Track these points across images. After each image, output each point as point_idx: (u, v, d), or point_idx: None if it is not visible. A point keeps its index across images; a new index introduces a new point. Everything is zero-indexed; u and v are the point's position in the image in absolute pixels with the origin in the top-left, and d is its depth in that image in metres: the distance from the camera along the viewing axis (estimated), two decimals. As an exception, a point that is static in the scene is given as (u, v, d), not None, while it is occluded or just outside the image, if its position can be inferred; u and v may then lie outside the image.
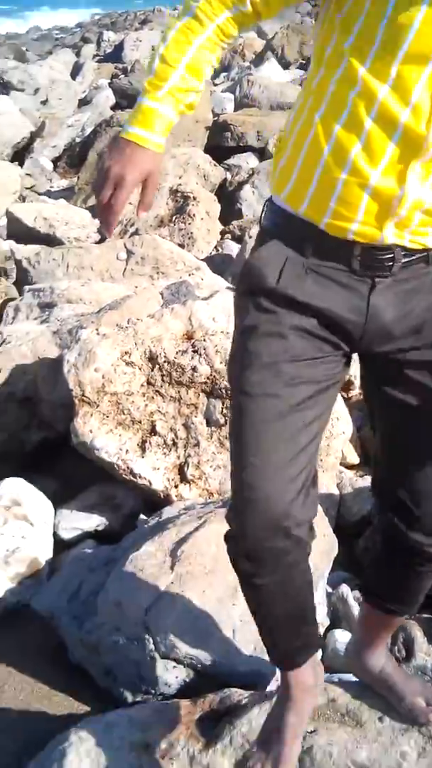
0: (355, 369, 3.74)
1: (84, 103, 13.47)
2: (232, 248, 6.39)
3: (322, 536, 2.58)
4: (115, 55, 19.49)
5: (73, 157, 10.79)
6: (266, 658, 1.92)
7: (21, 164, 10.53)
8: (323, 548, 2.59)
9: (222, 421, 3.11)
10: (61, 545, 3.19)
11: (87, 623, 2.56)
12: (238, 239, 6.51)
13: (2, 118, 10.62)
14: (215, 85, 14.31)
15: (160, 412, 3.15)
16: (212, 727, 2.13)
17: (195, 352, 3.15)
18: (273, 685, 2.32)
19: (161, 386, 3.16)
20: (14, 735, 2.43)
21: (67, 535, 3.22)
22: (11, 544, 2.97)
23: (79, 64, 16.54)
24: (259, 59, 15.54)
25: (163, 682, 2.36)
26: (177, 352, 3.15)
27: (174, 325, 3.22)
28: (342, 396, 3.64)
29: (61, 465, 3.67)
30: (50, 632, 2.77)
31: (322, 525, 2.61)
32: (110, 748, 2.07)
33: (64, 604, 2.68)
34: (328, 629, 2.62)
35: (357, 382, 3.83)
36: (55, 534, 3.20)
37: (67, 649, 2.68)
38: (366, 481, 3.25)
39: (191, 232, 6.35)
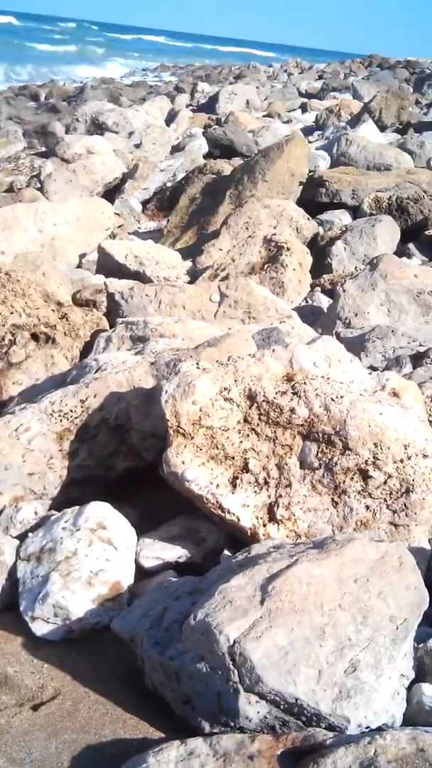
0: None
1: (177, 149, 13.80)
2: (323, 301, 6.49)
3: (413, 588, 2.60)
4: (209, 106, 20.02)
5: (162, 201, 11.05)
6: (350, 703, 1.93)
7: (111, 203, 10.82)
8: (413, 601, 2.61)
9: (316, 464, 3.16)
10: (140, 573, 3.24)
11: (170, 649, 2.60)
12: (329, 293, 6.60)
13: (96, 157, 10.94)
14: (310, 142, 14.57)
15: (254, 450, 3.21)
16: (294, 764, 2.15)
17: (295, 394, 3.21)
18: (356, 730, 2.33)
19: (258, 425, 3.22)
20: (87, 755, 2.48)
21: (148, 563, 3.28)
22: (95, 565, 3.04)
23: (174, 112, 16.99)
24: (355, 120, 15.79)
25: (244, 715, 2.39)
26: (276, 393, 3.22)
27: (275, 365, 3.30)
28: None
29: (144, 495, 3.75)
30: (127, 655, 2.83)
31: (413, 577, 2.62)
32: (188, 775, 2.10)
33: (145, 629, 2.73)
34: (414, 683, 2.63)
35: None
36: (135, 562, 3.26)
37: (143, 674, 2.72)
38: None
39: (282, 282, 6.46)
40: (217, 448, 3.21)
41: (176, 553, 3.32)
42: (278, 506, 3.16)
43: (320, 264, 7.50)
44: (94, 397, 3.62)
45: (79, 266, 7.59)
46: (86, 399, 3.61)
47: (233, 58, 70.64)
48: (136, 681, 2.75)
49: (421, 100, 23.02)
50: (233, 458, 3.21)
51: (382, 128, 15.45)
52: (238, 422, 3.23)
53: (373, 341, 5.07)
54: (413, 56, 42.10)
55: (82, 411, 3.59)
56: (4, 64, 42.03)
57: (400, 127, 16.12)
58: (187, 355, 3.61)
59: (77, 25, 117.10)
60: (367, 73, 34.61)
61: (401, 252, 8.13)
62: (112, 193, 11.26)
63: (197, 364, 3.31)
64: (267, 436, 3.22)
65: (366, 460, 3.12)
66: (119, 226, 9.92)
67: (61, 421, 3.56)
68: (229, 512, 3.16)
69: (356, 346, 5.14)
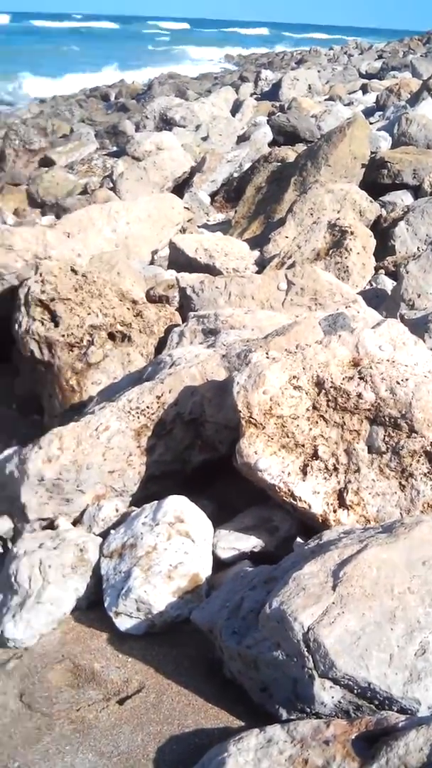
0: None
1: (243, 139, 13.75)
2: (386, 283, 6.40)
3: None
4: (273, 93, 19.88)
5: (230, 192, 11.04)
6: (420, 685, 1.91)
7: (180, 197, 10.83)
8: None
9: (383, 448, 3.13)
10: (217, 564, 3.26)
11: (247, 638, 2.62)
12: (392, 275, 6.51)
13: (165, 153, 10.98)
14: (371, 123, 14.33)
15: (323, 436, 3.19)
16: (368, 747, 2.14)
17: (361, 379, 3.18)
18: (426, 712, 2.32)
19: (326, 411, 3.20)
20: (171, 746, 2.51)
21: (224, 554, 3.30)
22: (174, 559, 3.07)
23: (239, 102, 16.89)
24: (414, 98, 15.47)
25: (319, 701, 2.39)
26: (343, 378, 3.20)
27: (341, 351, 3.27)
28: None
29: (219, 486, 3.76)
30: (206, 646, 2.85)
31: None
32: (270, 761, 2.11)
33: (224, 619, 2.75)
34: None
35: None
36: (212, 553, 3.28)
37: (222, 664, 2.74)
38: None
39: (347, 266, 6.39)
40: (288, 437, 3.20)
41: (251, 543, 3.33)
42: (348, 492, 3.14)
43: (384, 246, 7.40)
44: (170, 392, 3.64)
45: (152, 263, 7.63)
46: (162, 395, 3.64)
47: (294, 43, 69.97)
48: (216, 671, 2.78)
49: None
50: (303, 446, 3.20)
51: (443, 104, 15.11)
52: (307, 410, 3.21)
53: (438, 321, 4.98)
54: (471, 28, 40.99)
55: (158, 407, 3.61)
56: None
57: (461, 101, 15.75)
58: (256, 346, 3.61)
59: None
60: (426, 50, 33.84)
61: (465, 229, 7.95)
62: (181, 187, 11.29)
63: (267, 353, 3.31)
64: (335, 422, 3.20)
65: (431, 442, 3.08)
66: (189, 220, 9.93)
67: (138, 417, 3.59)
68: (300, 500, 3.16)
69: (420, 326, 5.06)
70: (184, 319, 5.04)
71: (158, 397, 3.62)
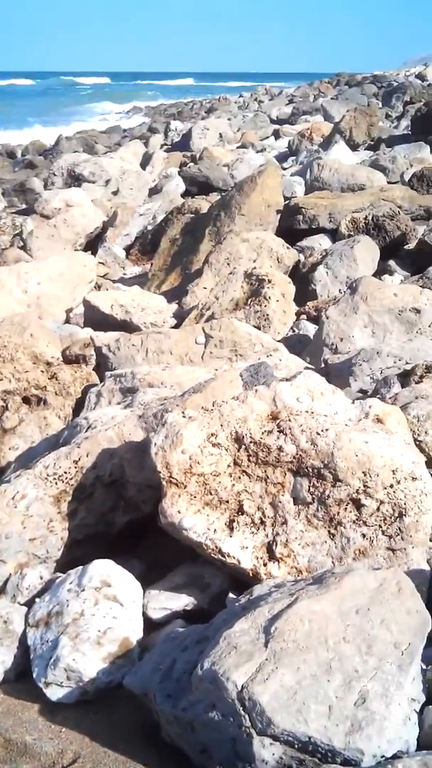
0: (440, 445, 3.81)
1: (154, 191, 13.97)
2: (309, 329, 6.55)
3: (415, 612, 2.63)
4: (183, 143, 20.24)
5: (145, 245, 11.17)
6: (362, 735, 1.96)
7: (94, 253, 10.93)
8: (415, 624, 2.63)
9: (309, 499, 3.20)
10: (150, 625, 3.28)
11: (182, 701, 2.64)
12: (315, 320, 6.66)
13: (75, 209, 11.07)
14: (284, 169, 14.71)
15: (247, 491, 3.25)
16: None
17: (280, 432, 3.26)
18: (371, 762, 2.36)
19: (248, 466, 3.27)
20: None
21: (156, 615, 3.32)
22: (102, 624, 3.08)
23: (148, 154, 17.16)
24: (327, 142, 15.95)
25: (260, 758, 2.41)
26: (263, 433, 3.27)
27: (258, 406, 3.35)
28: (430, 472, 3.70)
29: (148, 546, 3.79)
30: (142, 711, 2.85)
31: (413, 601, 2.65)
32: None
33: (157, 683, 2.76)
34: (425, 705, 2.65)
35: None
36: (143, 614, 3.29)
37: (159, 728, 2.75)
38: (457, 556, 3.29)
39: (267, 314, 6.53)
40: (211, 494, 3.25)
41: (183, 601, 3.36)
42: (276, 544, 3.20)
43: (305, 291, 7.58)
44: (87, 456, 3.68)
45: (67, 321, 7.66)
46: (79, 459, 3.67)
47: (206, 92, 71.51)
48: (154, 735, 2.78)
49: (390, 113, 23.21)
50: (227, 502, 3.26)
51: (355, 147, 15.62)
52: (228, 466, 3.28)
53: (360, 365, 5.11)
54: (379, 70, 42.48)
55: (77, 471, 3.64)
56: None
57: (372, 143, 16.29)
58: (173, 405, 3.67)
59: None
60: (336, 92, 34.93)
61: (383, 269, 8.20)
62: (95, 242, 11.39)
63: (183, 413, 3.37)
64: (258, 476, 3.26)
65: (357, 489, 3.16)
66: (105, 275, 10.03)
67: (56, 483, 3.61)
68: (229, 556, 3.20)
69: (344, 371, 5.18)
70: (102, 379, 5.08)
71: (75, 462, 3.65)
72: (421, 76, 35.77)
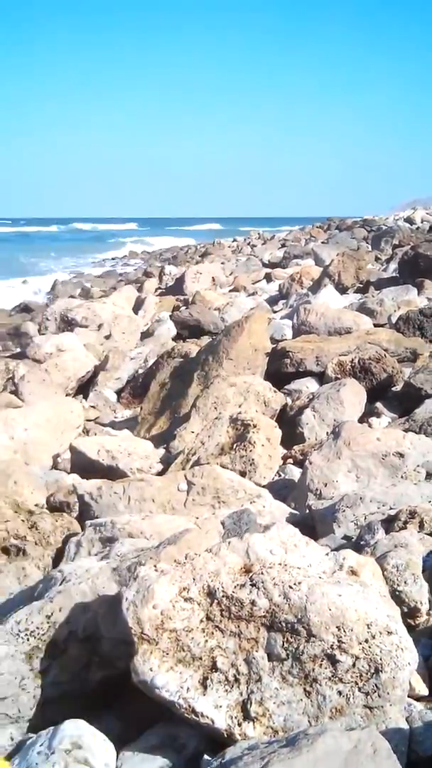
0: (420, 594, 3.79)
1: (147, 335, 14.23)
2: (295, 473, 6.56)
3: (392, 776, 2.56)
4: (177, 287, 20.73)
5: (136, 388, 11.32)
6: None
7: (86, 397, 11.08)
8: (393, 789, 2.56)
9: (284, 654, 3.15)
10: (123, 791, 3.17)
11: None
12: (300, 464, 6.69)
13: (67, 354, 11.27)
14: (274, 312, 15.04)
15: (220, 647, 3.20)
16: None
17: (253, 585, 3.23)
18: None
19: (221, 621, 3.23)
20: None
21: (129, 779, 3.21)
22: (71, 791, 2.98)
23: (141, 299, 17.56)
24: (316, 285, 16.35)
25: None
26: (235, 587, 3.24)
27: (231, 558, 3.33)
28: (408, 623, 3.65)
29: (125, 703, 3.69)
30: None
31: (388, 764, 2.58)
32: None
33: None
34: None
35: (424, 608, 3.84)
36: (117, 778, 3.19)
37: None
38: (436, 714, 3.22)
39: (252, 459, 6.55)
40: (184, 650, 3.20)
41: (157, 764, 3.25)
42: (251, 703, 3.13)
43: (293, 434, 7.63)
44: (60, 610, 3.63)
45: (54, 466, 7.69)
46: (52, 614, 3.62)
47: (202, 237, 73.77)
48: None
49: (380, 256, 23.86)
50: (201, 658, 3.20)
51: (344, 290, 16.00)
52: (201, 621, 3.23)
53: (344, 510, 5.11)
54: (369, 214, 43.90)
55: (49, 626, 3.59)
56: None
57: (361, 286, 16.69)
58: (147, 557, 3.65)
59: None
60: (327, 236, 35.96)
61: (370, 412, 8.27)
62: (86, 386, 11.55)
63: (155, 566, 3.34)
64: (231, 631, 3.22)
65: (331, 645, 3.11)
66: (95, 419, 10.13)
67: (28, 639, 3.55)
68: (202, 716, 3.12)
69: (328, 517, 5.18)
70: (84, 527, 5.07)
71: (48, 617, 3.60)
72: (409, 220, 37.00)
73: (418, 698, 3.39)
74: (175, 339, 13.20)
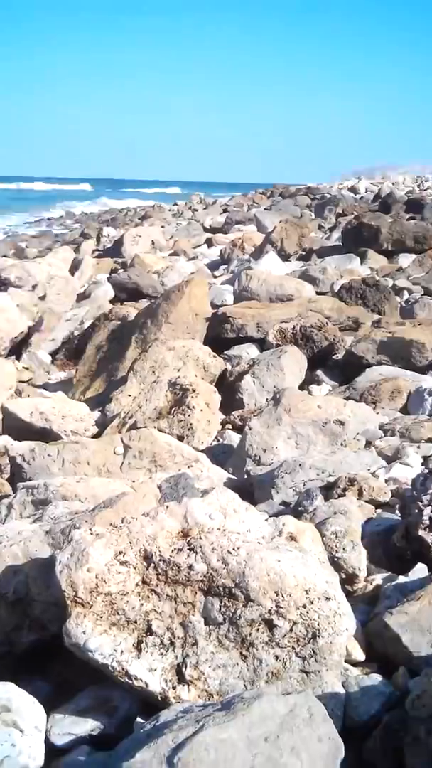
0: (359, 561, 3.82)
1: (83, 297, 14.08)
2: (233, 438, 6.56)
3: (327, 739, 2.58)
4: (115, 249, 20.51)
5: (71, 350, 11.20)
6: None
7: (18, 358, 10.92)
8: (327, 752, 2.58)
9: (220, 619, 3.15)
10: (53, 752, 3.14)
11: None
12: (239, 429, 6.69)
13: (0, 314, 11.09)
14: (215, 277, 14.99)
15: (156, 611, 3.19)
16: None
17: (191, 550, 3.23)
18: None
19: (157, 585, 3.21)
20: None
21: (59, 741, 3.18)
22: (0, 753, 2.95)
23: (78, 260, 17.35)
24: (258, 252, 16.33)
25: None
26: (172, 551, 3.23)
27: (169, 523, 3.32)
28: (346, 589, 3.69)
29: (56, 666, 3.67)
30: None
31: (325, 728, 2.60)
32: None
33: None
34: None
35: (362, 575, 3.88)
36: (47, 740, 3.16)
37: None
38: (374, 678, 3.25)
39: (191, 424, 6.54)
40: (118, 614, 3.18)
41: (88, 726, 3.24)
42: (186, 666, 3.13)
43: (231, 399, 7.62)
44: (-10, 572, 3.59)
45: (-15, 429, 7.58)
46: (-19, 576, 3.58)
47: (142, 198, 73.04)
48: None
49: (323, 224, 23.90)
50: (135, 622, 3.19)
51: (286, 257, 16.00)
52: (137, 585, 3.22)
53: (282, 477, 5.13)
54: (313, 182, 43.87)
55: (-21, 589, 3.54)
56: None
57: (304, 254, 16.72)
58: (82, 520, 3.62)
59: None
60: (270, 203, 35.85)
61: (311, 379, 8.32)
62: (20, 347, 11.39)
63: (90, 529, 3.31)
64: (168, 595, 3.21)
65: (269, 610, 3.12)
66: (28, 380, 10.00)
67: (-42, 601, 3.51)
68: (136, 679, 3.12)
69: (267, 483, 5.19)
70: (15, 490, 5.01)
71: (-22, 579, 3.56)
72: (353, 189, 37.05)
73: (355, 664, 3.43)
74: (112, 302, 13.08)
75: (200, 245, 22.58)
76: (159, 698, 3.13)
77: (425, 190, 37.78)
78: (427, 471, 4.39)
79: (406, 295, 12.52)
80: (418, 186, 39.06)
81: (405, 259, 15.30)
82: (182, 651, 3.16)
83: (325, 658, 3.12)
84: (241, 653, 3.14)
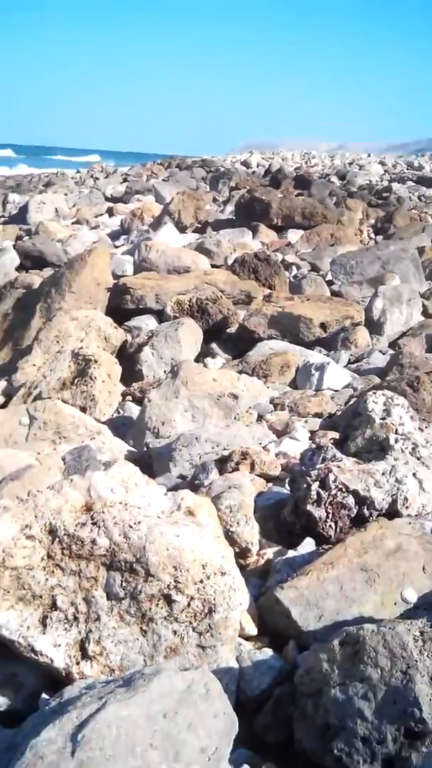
0: (252, 535, 3.82)
1: (-12, 264, 13.68)
2: (133, 410, 6.48)
3: (222, 714, 2.57)
4: (20, 216, 19.97)
5: (-24, 318, 10.88)
6: None
7: None
8: (222, 728, 2.57)
9: (122, 594, 3.10)
10: (-42, 728, 3.06)
11: None
12: (139, 401, 6.62)
13: None
14: (116, 247, 14.76)
15: (60, 586, 3.12)
16: None
17: (94, 524, 3.16)
18: None
19: (61, 560, 3.15)
20: None
21: (-36, 718, 3.11)
22: None
23: (-17, 227, 16.87)
24: (156, 223, 16.14)
25: None
26: (76, 525, 3.16)
27: (73, 496, 3.24)
28: (240, 563, 3.68)
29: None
30: None
31: (220, 703, 2.59)
32: None
33: (-40, 795, 2.57)
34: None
35: (254, 549, 3.88)
36: None
37: None
38: (265, 653, 3.26)
39: (93, 395, 6.43)
40: (24, 589, 3.10)
41: (-6, 701, 3.16)
42: (89, 642, 3.08)
43: (131, 371, 7.53)
44: None
45: None
46: None
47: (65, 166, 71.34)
48: None
49: (217, 197, 23.80)
50: (41, 597, 3.11)
51: (183, 229, 15.87)
52: (42, 559, 3.14)
53: (179, 450, 5.08)
54: (208, 155, 43.65)
55: None
56: None
57: (200, 226, 16.61)
58: (-12, 495, 3.52)
59: None
60: (168, 174, 35.53)
61: (206, 352, 8.27)
62: None
63: (-3, 503, 3.22)
64: (72, 570, 3.14)
65: (168, 585, 3.09)
66: None
67: None
68: (41, 654, 3.05)
69: (165, 456, 5.15)
70: None
71: None
72: (246, 163, 37.07)
73: (248, 638, 3.42)
74: (18, 269, 12.75)
75: (102, 214, 22.20)
76: (63, 674, 3.07)
77: (312, 167, 38.02)
78: (314, 446, 4.42)
79: (294, 271, 12.57)
80: (306, 162, 39.28)
81: (293, 235, 15.36)
82: (86, 626, 3.10)
83: (220, 633, 3.11)
84: (141, 628, 3.10)
